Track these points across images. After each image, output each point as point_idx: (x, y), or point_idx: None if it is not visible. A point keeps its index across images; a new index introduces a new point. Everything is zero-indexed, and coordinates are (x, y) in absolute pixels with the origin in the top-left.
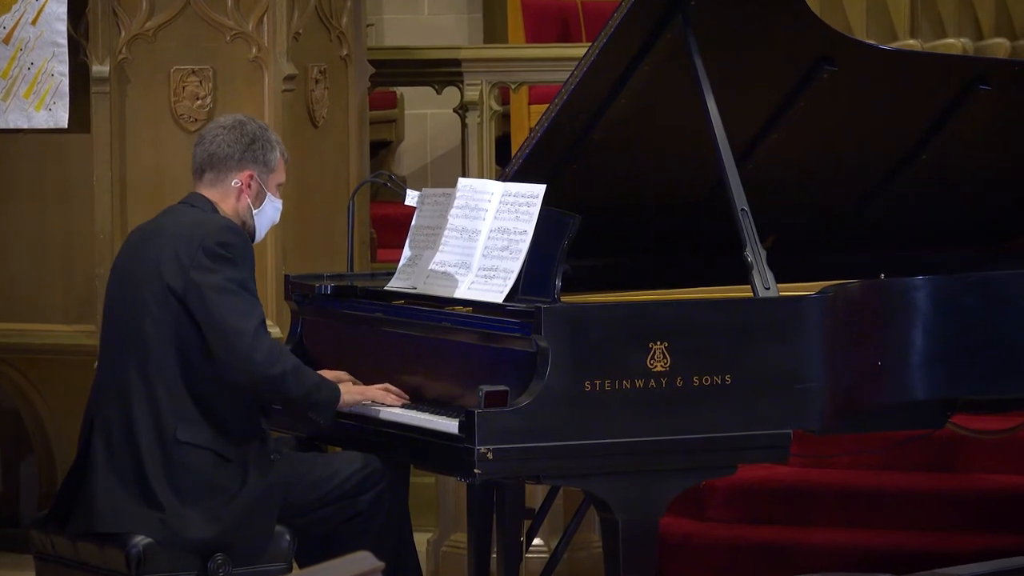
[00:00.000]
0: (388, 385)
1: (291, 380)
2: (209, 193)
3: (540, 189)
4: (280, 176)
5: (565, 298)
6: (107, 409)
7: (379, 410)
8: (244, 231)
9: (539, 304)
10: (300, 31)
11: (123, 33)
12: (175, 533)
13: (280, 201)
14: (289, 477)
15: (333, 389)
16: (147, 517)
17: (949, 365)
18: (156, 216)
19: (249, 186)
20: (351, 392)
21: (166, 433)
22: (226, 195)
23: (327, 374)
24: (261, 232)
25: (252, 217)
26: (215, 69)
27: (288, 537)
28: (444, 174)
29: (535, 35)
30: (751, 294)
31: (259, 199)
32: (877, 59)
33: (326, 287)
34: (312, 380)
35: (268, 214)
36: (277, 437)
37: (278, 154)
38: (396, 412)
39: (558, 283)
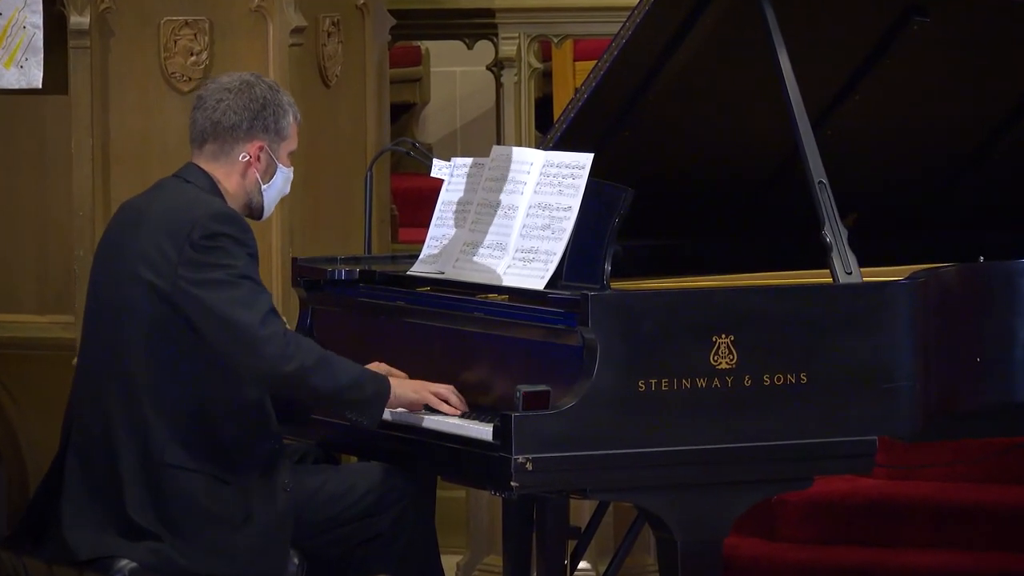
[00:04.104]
0: (451, 388)
1: (316, 376)
2: (210, 167)
3: (587, 159)
4: (293, 143)
5: (615, 284)
6: (85, 422)
7: (399, 414)
8: (239, 216)
9: (586, 291)
10: None
11: None
12: (167, 562)
13: (290, 169)
14: (299, 494)
15: (379, 384)
16: (133, 545)
17: None
18: (147, 191)
19: (259, 159)
20: (405, 387)
21: (152, 454)
22: (231, 170)
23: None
24: (270, 207)
25: (260, 193)
26: (212, 21)
27: (296, 561)
28: (476, 141)
29: None
30: (830, 280)
31: (269, 172)
32: (975, 7)
33: (340, 272)
34: (348, 375)
35: (278, 187)
36: (286, 444)
37: (291, 119)
38: (420, 416)
39: (607, 267)
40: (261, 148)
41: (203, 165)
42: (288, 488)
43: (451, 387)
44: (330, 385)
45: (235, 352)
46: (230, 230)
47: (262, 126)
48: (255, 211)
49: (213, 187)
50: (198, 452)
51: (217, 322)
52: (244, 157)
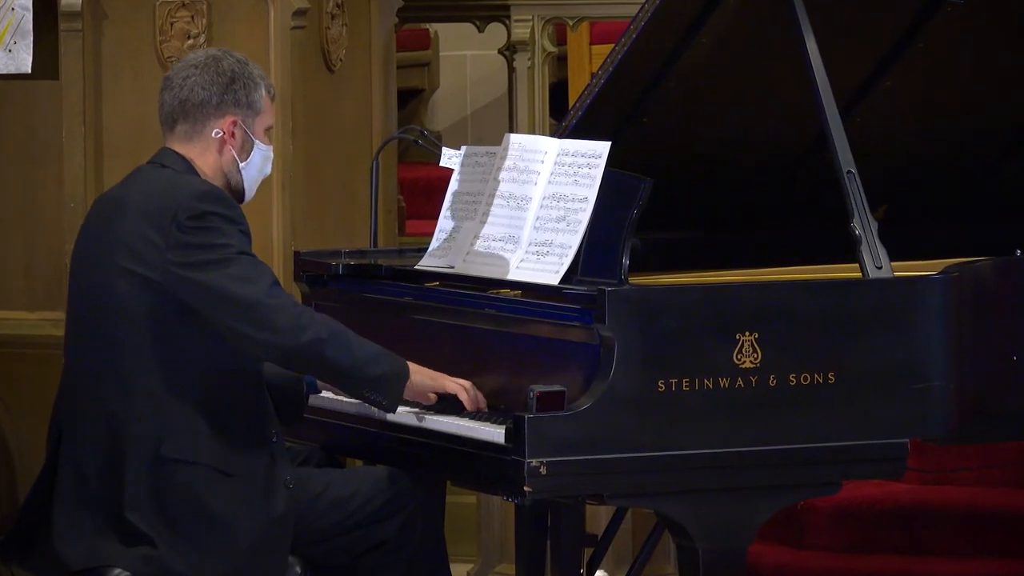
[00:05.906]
0: (469, 384)
1: (332, 348)
2: (184, 148)
3: (604, 147)
4: (268, 119)
5: (633, 279)
6: (76, 421)
7: (405, 414)
8: (225, 193)
9: (603, 286)
10: None
11: None
12: (161, 569)
13: (270, 147)
14: (301, 499)
15: (398, 363)
16: (126, 553)
17: None
18: (122, 180)
19: (233, 135)
20: (422, 374)
21: (150, 450)
22: (205, 149)
23: None
24: (251, 188)
25: (239, 172)
26: (210, 2)
27: (299, 569)
28: (487, 129)
29: None
30: (859, 274)
31: (245, 150)
32: None
33: (344, 266)
34: (366, 350)
35: (257, 165)
36: (288, 447)
37: (263, 92)
38: (427, 417)
39: (625, 261)
40: (235, 123)
41: (177, 148)
42: (290, 484)
43: (471, 383)
44: (347, 358)
45: (245, 330)
46: (218, 208)
47: (233, 100)
48: (235, 193)
49: (190, 169)
50: (197, 445)
51: (220, 302)
52: (217, 133)
